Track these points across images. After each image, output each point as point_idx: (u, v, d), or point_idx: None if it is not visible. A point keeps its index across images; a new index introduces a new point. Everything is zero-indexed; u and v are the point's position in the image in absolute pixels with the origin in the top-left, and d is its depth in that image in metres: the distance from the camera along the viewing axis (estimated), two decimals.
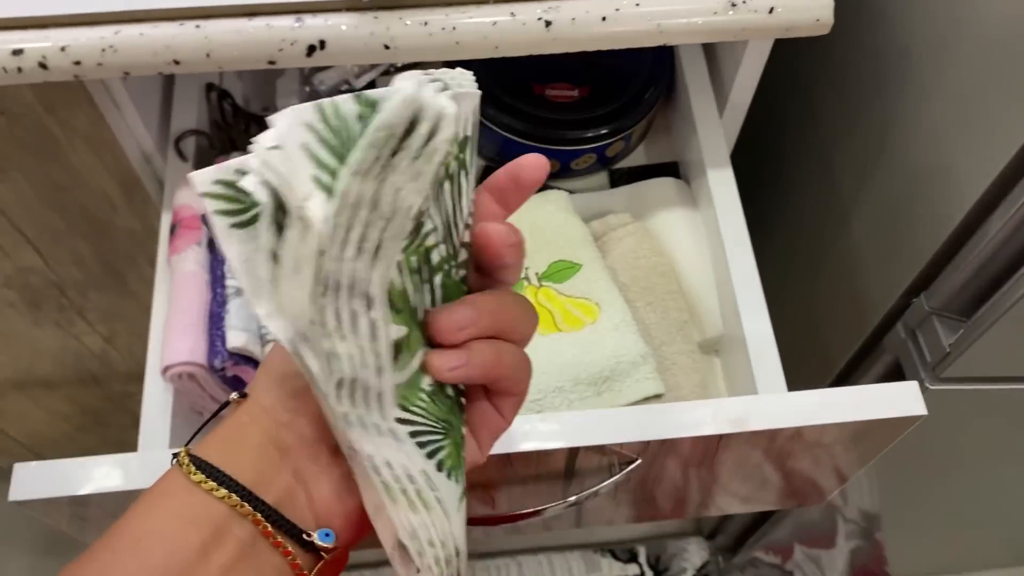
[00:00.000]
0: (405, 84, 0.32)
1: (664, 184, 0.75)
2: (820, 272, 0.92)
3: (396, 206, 0.32)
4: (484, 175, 0.80)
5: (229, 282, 0.61)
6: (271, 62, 0.57)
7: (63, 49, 0.55)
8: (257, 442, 0.34)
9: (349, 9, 0.57)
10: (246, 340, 0.59)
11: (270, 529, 0.32)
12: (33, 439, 1.28)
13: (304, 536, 0.33)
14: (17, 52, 0.55)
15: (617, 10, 0.58)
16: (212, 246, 0.64)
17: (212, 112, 0.75)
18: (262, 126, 0.76)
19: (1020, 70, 0.57)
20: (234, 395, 0.36)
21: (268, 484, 0.33)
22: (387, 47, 0.57)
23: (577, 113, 0.75)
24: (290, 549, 0.33)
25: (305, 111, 0.30)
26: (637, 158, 0.81)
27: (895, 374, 0.77)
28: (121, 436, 1.30)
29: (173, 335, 0.59)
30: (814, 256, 0.93)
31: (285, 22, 0.56)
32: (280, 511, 0.33)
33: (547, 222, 0.67)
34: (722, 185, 0.72)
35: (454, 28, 0.57)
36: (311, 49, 0.57)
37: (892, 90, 0.73)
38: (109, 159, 0.70)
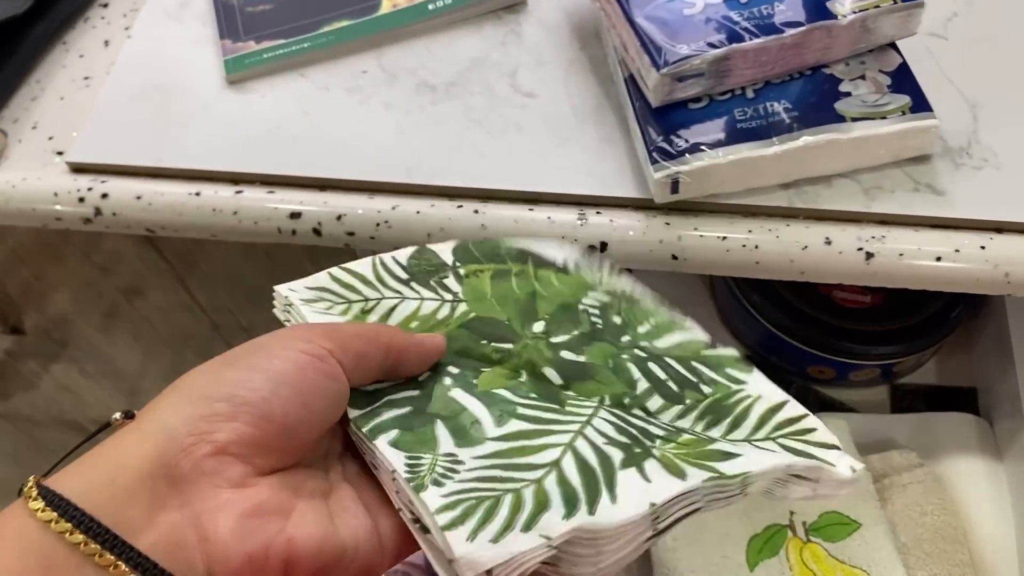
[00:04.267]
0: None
1: (962, 422, 0.64)
2: None
3: None
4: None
5: None
6: None
7: (339, 218, 0.53)
8: (140, 469, 0.28)
9: (638, 208, 0.52)
10: None
11: None
12: None
13: None
14: (295, 215, 0.53)
15: (957, 251, 0.48)
16: None
17: None
18: None
19: None
20: (117, 415, 0.30)
21: (146, 523, 0.27)
22: (675, 257, 0.51)
23: (867, 323, 0.65)
24: None
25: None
26: (927, 375, 0.70)
27: None
28: None
29: None
30: None
31: (567, 216, 0.52)
32: (154, 558, 0.26)
33: None
34: None
35: (756, 247, 0.50)
36: (591, 249, 0.51)
37: None
38: None
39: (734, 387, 0.37)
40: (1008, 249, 0.48)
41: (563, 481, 0.31)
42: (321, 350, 0.32)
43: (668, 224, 0.51)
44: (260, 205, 0.53)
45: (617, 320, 0.39)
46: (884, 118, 0.49)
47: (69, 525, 0.26)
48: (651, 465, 0.31)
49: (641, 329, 0.39)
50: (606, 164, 0.53)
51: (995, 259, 0.48)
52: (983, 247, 0.48)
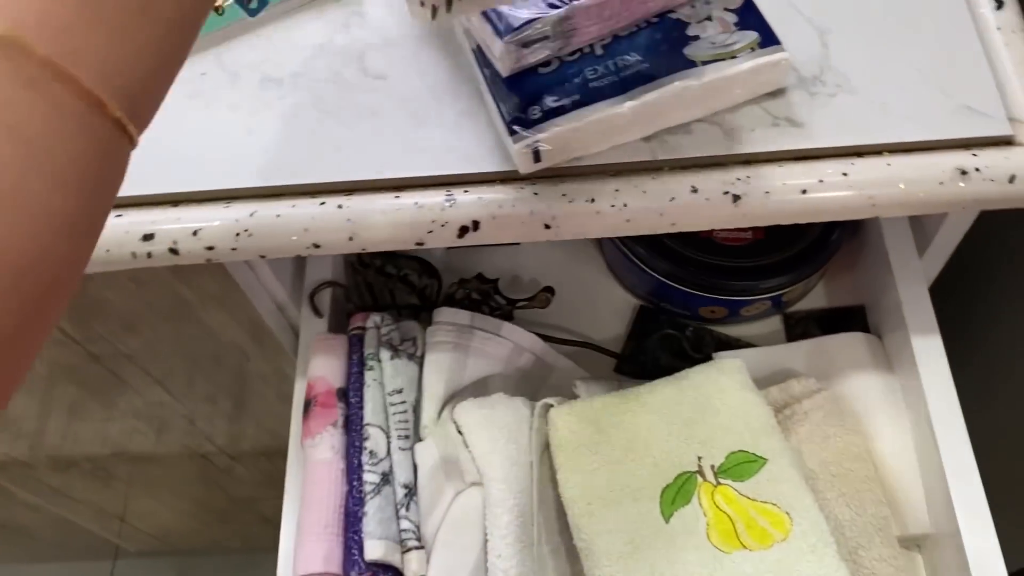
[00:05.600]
0: None
1: (853, 341, 0.65)
2: None
3: None
4: (639, 315, 0.73)
5: (367, 476, 0.55)
6: (419, 243, 0.51)
7: (195, 233, 0.50)
8: None
9: (505, 181, 0.50)
10: (385, 551, 0.52)
11: None
12: (163, 531, 1.28)
13: None
14: (148, 237, 0.50)
15: (821, 181, 0.49)
16: (348, 426, 0.58)
17: (349, 255, 0.70)
18: (400, 267, 0.71)
19: None
20: None
21: None
22: (547, 226, 0.50)
23: (751, 258, 0.65)
24: None
25: None
26: (816, 299, 0.72)
27: None
28: (246, 530, 1.29)
29: (307, 538, 0.53)
30: None
31: (435, 199, 0.50)
32: None
33: (723, 402, 0.58)
34: (927, 348, 0.61)
35: (625, 205, 0.49)
36: (463, 230, 0.50)
37: None
38: (241, 316, 0.65)
39: None
40: (869, 172, 0.49)
41: None
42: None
43: (536, 194, 0.50)
44: (109, 232, 0.50)
45: None
46: (734, 57, 0.49)
47: None
48: None
49: None
50: (468, 140, 0.51)
51: (858, 184, 0.49)
52: (845, 174, 0.49)
